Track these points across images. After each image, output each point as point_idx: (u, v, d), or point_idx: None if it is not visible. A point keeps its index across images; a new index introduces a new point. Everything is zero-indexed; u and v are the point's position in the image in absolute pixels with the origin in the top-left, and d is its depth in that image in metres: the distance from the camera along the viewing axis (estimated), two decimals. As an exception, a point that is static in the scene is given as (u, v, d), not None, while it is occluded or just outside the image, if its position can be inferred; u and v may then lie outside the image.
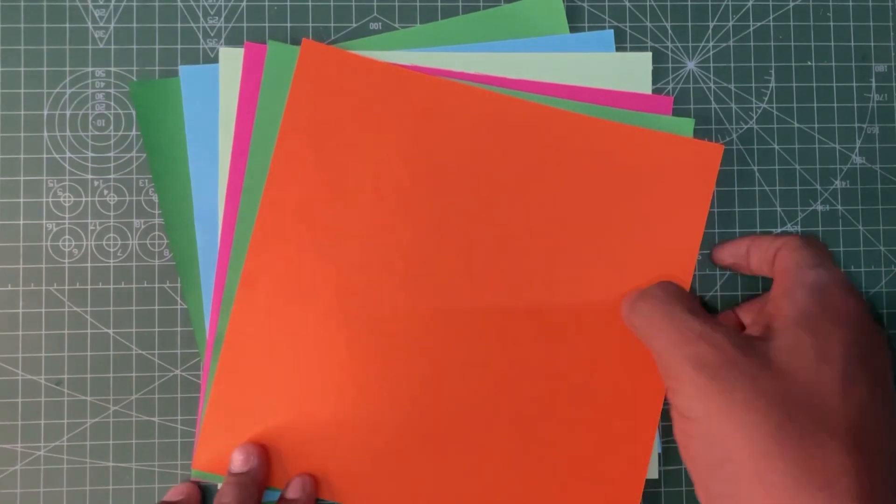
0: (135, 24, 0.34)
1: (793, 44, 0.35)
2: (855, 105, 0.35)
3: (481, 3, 0.35)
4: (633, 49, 0.35)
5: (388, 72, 0.32)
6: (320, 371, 0.32)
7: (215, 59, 0.34)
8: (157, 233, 0.34)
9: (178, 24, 0.34)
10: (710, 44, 0.35)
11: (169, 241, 0.33)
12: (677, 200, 0.32)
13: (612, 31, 0.34)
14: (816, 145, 0.35)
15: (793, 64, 0.35)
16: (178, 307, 0.33)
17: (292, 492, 0.31)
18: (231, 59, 0.33)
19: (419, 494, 0.32)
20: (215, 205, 0.33)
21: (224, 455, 0.31)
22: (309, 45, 0.32)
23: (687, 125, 0.33)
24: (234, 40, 0.34)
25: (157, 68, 0.34)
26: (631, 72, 0.34)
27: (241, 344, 0.32)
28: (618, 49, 0.35)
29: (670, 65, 0.35)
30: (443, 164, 0.32)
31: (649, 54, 0.34)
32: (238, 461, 0.31)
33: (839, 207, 0.35)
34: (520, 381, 0.32)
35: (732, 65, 0.35)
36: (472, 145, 0.32)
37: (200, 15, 0.34)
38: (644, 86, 0.34)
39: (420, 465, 0.32)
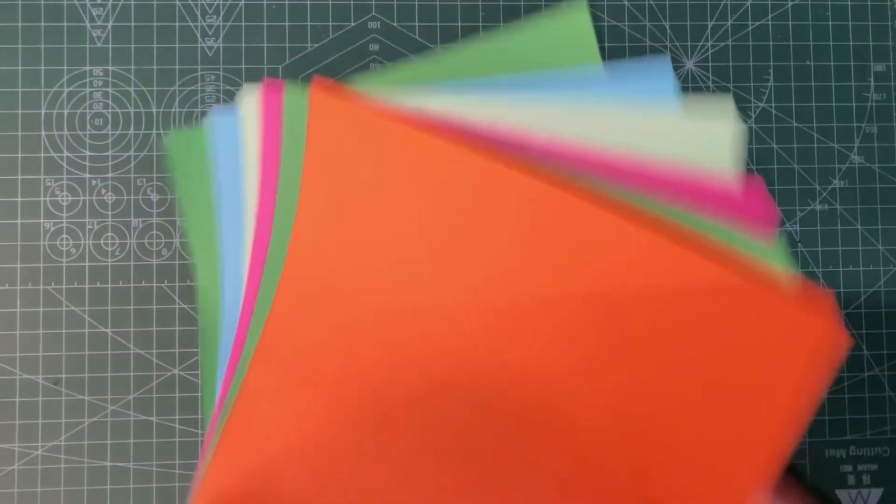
0: (133, 23, 0.34)
1: (791, 43, 0.35)
2: (854, 104, 0.35)
3: (480, 3, 0.35)
4: (631, 48, 0.35)
5: (408, 136, 0.28)
6: (326, 460, 0.29)
7: (214, 58, 0.34)
8: (154, 232, 0.34)
9: (176, 23, 0.34)
10: (709, 43, 0.35)
11: (198, 305, 0.32)
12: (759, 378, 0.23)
13: (668, 57, 0.31)
14: (815, 144, 0.35)
15: (791, 63, 0.35)
16: (177, 306, 0.33)
17: None
18: (252, 102, 0.29)
19: None
20: (240, 268, 0.30)
21: None
22: (319, 101, 0.28)
23: (779, 256, 0.24)
24: (232, 39, 0.34)
25: (155, 67, 0.34)
26: (705, 142, 0.26)
27: (248, 419, 0.29)
28: (616, 48, 0.35)
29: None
30: (465, 247, 0.27)
31: (731, 117, 0.26)
32: None
33: (838, 207, 0.35)
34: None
35: (731, 64, 0.35)
36: (497, 233, 0.27)
37: (199, 14, 0.34)
38: (722, 160, 0.25)
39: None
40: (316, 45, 0.34)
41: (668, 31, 0.35)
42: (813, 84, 0.35)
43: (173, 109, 0.34)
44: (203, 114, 0.34)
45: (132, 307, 0.33)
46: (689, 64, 0.35)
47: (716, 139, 0.26)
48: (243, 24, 0.34)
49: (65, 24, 0.34)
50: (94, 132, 0.34)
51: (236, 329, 0.30)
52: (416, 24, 0.34)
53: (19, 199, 0.33)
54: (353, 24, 0.34)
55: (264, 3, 0.34)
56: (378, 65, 0.34)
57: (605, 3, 0.35)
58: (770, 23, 0.35)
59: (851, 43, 0.36)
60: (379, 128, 0.28)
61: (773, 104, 0.35)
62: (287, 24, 0.34)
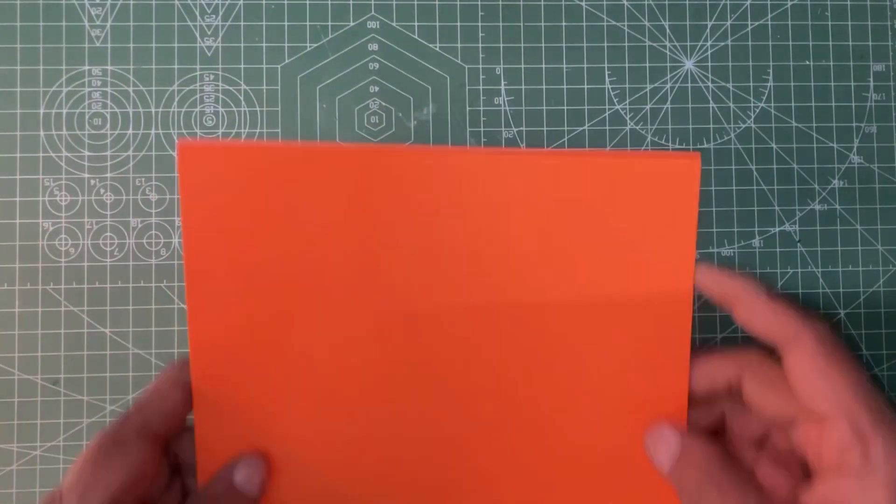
0: (131, 23, 0.34)
1: (791, 43, 0.35)
2: (853, 104, 0.35)
3: (480, 3, 0.34)
4: (630, 48, 0.35)
5: (282, 152, 0.29)
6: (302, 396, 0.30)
7: (213, 58, 0.34)
8: (153, 232, 0.33)
9: (175, 23, 0.34)
10: (709, 43, 0.35)
11: None
12: (663, 219, 0.30)
13: None
14: (814, 144, 0.35)
15: (791, 63, 0.35)
16: (175, 306, 0.33)
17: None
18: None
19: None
20: None
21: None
22: (186, 149, 0.29)
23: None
24: (231, 38, 0.34)
25: (153, 67, 0.34)
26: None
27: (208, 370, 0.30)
28: (616, 47, 0.35)
29: (668, 64, 0.35)
30: (380, 226, 0.30)
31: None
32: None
33: (837, 207, 0.35)
34: (521, 386, 0.31)
35: (730, 64, 0.35)
36: (408, 206, 0.29)
37: (197, 13, 0.34)
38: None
39: (419, 478, 0.31)
40: (315, 45, 0.34)
41: (668, 30, 0.35)
42: (812, 84, 0.35)
43: (172, 109, 0.34)
44: (202, 113, 0.34)
45: (131, 307, 0.33)
46: (689, 64, 0.35)
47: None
48: (242, 23, 0.34)
49: (63, 23, 0.34)
50: (93, 132, 0.34)
51: None
52: (416, 23, 0.34)
53: (18, 199, 0.33)
54: (352, 23, 0.34)
55: (263, 2, 0.34)
56: (377, 64, 0.34)
57: (605, 3, 0.35)
58: (769, 23, 0.35)
59: (851, 43, 0.36)
60: (252, 153, 0.29)
61: (772, 104, 0.35)
62: (286, 23, 0.34)
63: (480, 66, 0.35)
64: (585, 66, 0.35)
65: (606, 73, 0.35)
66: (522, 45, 0.35)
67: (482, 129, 0.34)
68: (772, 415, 0.28)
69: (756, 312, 0.28)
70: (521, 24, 0.35)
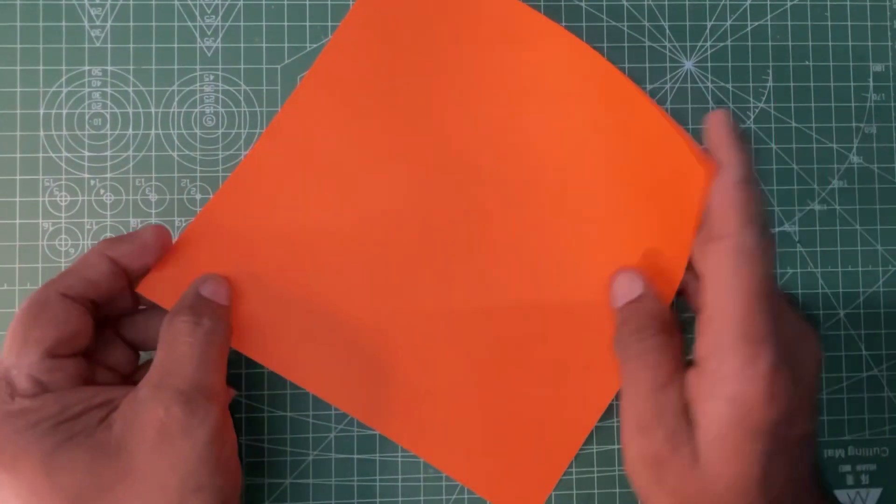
0: (131, 23, 0.34)
1: (790, 43, 0.35)
2: (853, 105, 0.35)
3: (479, 3, 0.35)
4: (630, 48, 0.35)
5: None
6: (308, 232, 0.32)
7: (212, 58, 0.34)
8: (153, 232, 0.33)
9: (175, 23, 0.34)
10: (708, 43, 0.35)
11: None
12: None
13: None
14: (814, 145, 0.35)
15: (790, 63, 0.35)
16: (175, 307, 0.33)
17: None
18: None
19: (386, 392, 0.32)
20: None
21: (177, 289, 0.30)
22: None
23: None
24: (231, 39, 0.34)
25: (153, 67, 0.34)
26: None
27: (248, 181, 0.32)
28: (616, 48, 0.35)
29: (668, 64, 0.35)
30: (494, 90, 0.33)
31: None
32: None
33: (837, 207, 0.35)
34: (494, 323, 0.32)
35: (730, 64, 0.35)
36: (530, 81, 0.33)
37: (197, 14, 0.34)
38: None
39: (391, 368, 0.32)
40: (315, 45, 0.34)
41: (667, 31, 0.35)
42: (812, 84, 0.35)
43: (172, 109, 0.34)
44: (202, 114, 0.34)
45: (131, 307, 0.33)
46: (689, 64, 0.35)
47: None
48: (242, 24, 0.34)
49: (63, 23, 0.34)
50: (93, 132, 0.34)
51: None
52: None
53: (18, 200, 0.33)
54: (352, 24, 0.34)
55: (263, 3, 0.34)
56: (377, 65, 0.34)
57: (605, 3, 0.35)
58: (769, 23, 0.35)
59: (850, 43, 0.36)
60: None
61: (771, 104, 0.35)
62: (286, 24, 0.34)
63: (480, 67, 0.35)
64: (585, 66, 0.35)
65: (606, 73, 0.35)
66: (522, 45, 0.35)
67: (482, 130, 0.34)
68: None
69: (714, 192, 0.27)
70: (521, 25, 0.35)
